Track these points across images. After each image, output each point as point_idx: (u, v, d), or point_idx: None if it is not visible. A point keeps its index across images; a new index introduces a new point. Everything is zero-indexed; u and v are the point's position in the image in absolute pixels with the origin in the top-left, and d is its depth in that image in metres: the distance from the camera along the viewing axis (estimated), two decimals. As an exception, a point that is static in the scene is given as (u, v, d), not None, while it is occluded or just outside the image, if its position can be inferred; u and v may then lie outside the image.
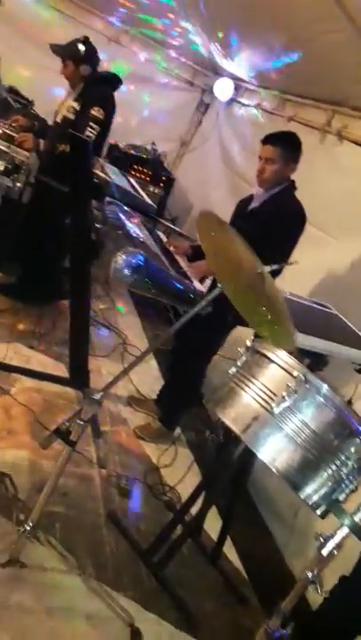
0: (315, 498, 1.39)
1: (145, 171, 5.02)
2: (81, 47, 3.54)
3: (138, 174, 4.95)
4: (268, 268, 1.74)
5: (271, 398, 1.40)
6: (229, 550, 2.60)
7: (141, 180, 4.85)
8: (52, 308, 3.75)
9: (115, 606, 1.98)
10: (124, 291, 4.72)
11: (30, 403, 2.84)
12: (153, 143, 5.27)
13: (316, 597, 1.96)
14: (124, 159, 4.88)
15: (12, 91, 4.54)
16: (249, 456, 2.25)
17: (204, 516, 2.41)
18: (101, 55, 3.72)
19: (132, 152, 5.08)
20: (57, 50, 3.61)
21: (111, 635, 1.93)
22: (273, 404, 1.39)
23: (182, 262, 3.23)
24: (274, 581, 2.49)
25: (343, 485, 1.39)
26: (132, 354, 3.85)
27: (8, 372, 2.97)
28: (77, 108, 3.54)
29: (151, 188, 4.94)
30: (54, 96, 4.21)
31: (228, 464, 2.28)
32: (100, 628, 1.93)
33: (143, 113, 5.54)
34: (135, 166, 4.97)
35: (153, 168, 5.09)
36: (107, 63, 4.35)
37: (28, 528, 1.87)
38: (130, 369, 1.87)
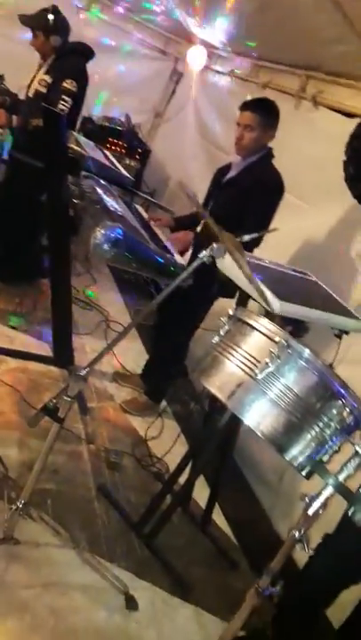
0: (300, 459, 1.42)
1: (120, 143, 4.95)
2: (50, 17, 3.45)
3: (113, 147, 4.87)
4: (247, 237, 1.75)
5: (255, 365, 1.42)
6: (218, 517, 2.66)
7: (117, 153, 4.79)
8: (32, 287, 3.72)
9: (109, 576, 2.02)
10: (104, 267, 4.69)
11: (16, 383, 2.84)
12: (127, 115, 5.18)
13: (303, 557, 2.02)
14: (99, 132, 4.79)
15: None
16: (234, 424, 2.29)
17: (192, 485, 2.45)
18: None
19: (107, 124, 4.99)
20: (25, 21, 3.52)
21: (107, 603, 1.98)
22: (256, 371, 1.41)
23: (162, 235, 3.21)
24: (262, 545, 2.54)
25: (327, 446, 1.43)
26: (115, 330, 3.85)
27: (-8, 354, 2.97)
28: (49, 81, 3.47)
29: (127, 161, 4.87)
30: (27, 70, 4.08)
31: (213, 433, 2.31)
32: (96, 598, 1.97)
33: (116, 84, 5.43)
34: (110, 139, 4.90)
35: (128, 140, 5.01)
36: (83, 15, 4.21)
37: (21, 505, 1.89)
38: (113, 344, 1.87)
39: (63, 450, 2.57)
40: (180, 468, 2.39)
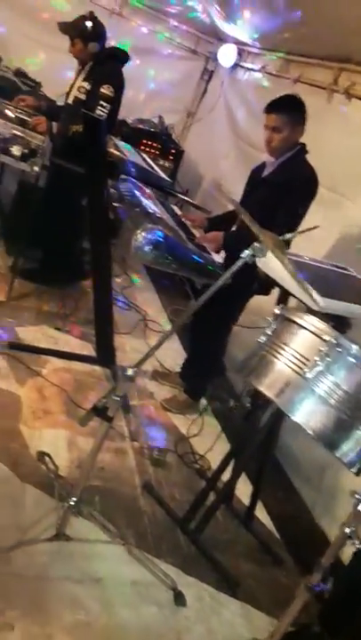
0: (351, 456, 1.43)
1: (154, 144, 4.99)
2: (88, 24, 3.50)
3: (147, 149, 4.92)
4: (289, 235, 1.76)
5: (304, 363, 1.43)
6: (261, 513, 2.67)
7: (151, 155, 4.84)
8: (74, 289, 3.80)
9: (157, 572, 2.06)
10: (140, 267, 4.75)
11: (62, 382, 2.91)
12: (160, 116, 5.22)
13: (347, 552, 2.01)
14: (133, 134, 4.85)
15: (20, 73, 4.51)
16: (276, 421, 2.31)
17: (235, 482, 2.47)
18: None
19: (141, 127, 5.05)
20: (64, 28, 3.58)
21: (156, 599, 2.01)
22: (306, 369, 1.42)
23: (198, 235, 3.24)
24: (306, 540, 2.56)
25: (377, 443, 1.44)
26: (153, 329, 3.90)
27: (38, 355, 3.04)
28: (88, 87, 3.53)
29: (161, 162, 4.91)
30: (63, 77, 4.14)
31: (255, 431, 2.33)
32: (146, 594, 2.01)
33: (149, 86, 5.48)
34: (144, 141, 4.94)
35: (162, 141, 5.06)
36: (113, 40, 4.30)
37: (72, 503, 1.94)
38: (160, 344, 1.91)
39: (109, 447, 2.62)
40: (222, 465, 2.41)
